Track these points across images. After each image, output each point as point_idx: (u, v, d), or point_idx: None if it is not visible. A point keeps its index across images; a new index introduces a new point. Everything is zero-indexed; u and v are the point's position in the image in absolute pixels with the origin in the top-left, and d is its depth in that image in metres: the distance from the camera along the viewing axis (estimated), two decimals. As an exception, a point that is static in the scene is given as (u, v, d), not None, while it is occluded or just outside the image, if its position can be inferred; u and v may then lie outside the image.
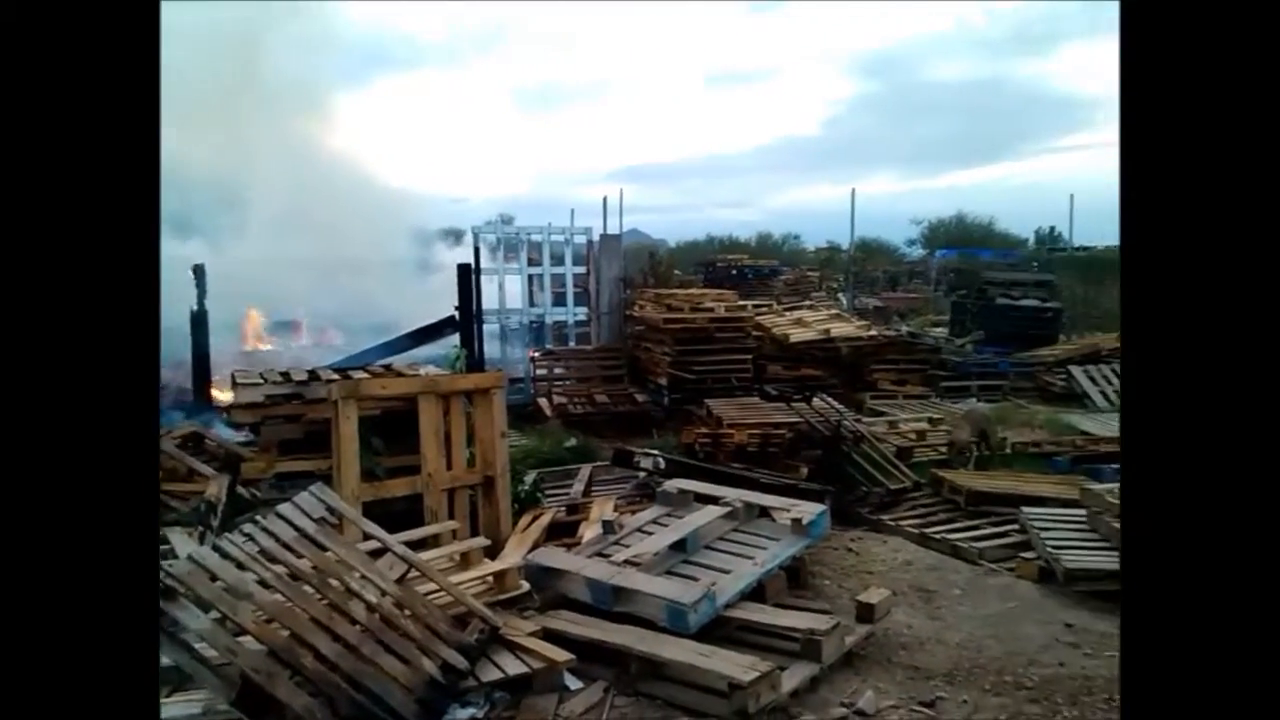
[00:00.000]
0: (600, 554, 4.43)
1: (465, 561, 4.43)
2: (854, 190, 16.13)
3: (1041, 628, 4.37)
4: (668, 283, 15.16)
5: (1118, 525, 4.89)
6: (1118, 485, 5.97)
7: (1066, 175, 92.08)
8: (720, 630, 3.96)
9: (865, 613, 4.12)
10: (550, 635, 3.76)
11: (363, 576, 3.48)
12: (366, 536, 3.97)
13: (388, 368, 6.32)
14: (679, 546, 4.42)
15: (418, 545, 4.36)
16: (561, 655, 3.55)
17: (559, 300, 12.08)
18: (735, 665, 3.41)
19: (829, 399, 8.59)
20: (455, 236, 21.23)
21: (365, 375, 5.65)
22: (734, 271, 20.68)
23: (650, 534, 4.68)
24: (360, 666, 3.16)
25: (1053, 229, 28.99)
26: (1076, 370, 11.25)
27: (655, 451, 6.71)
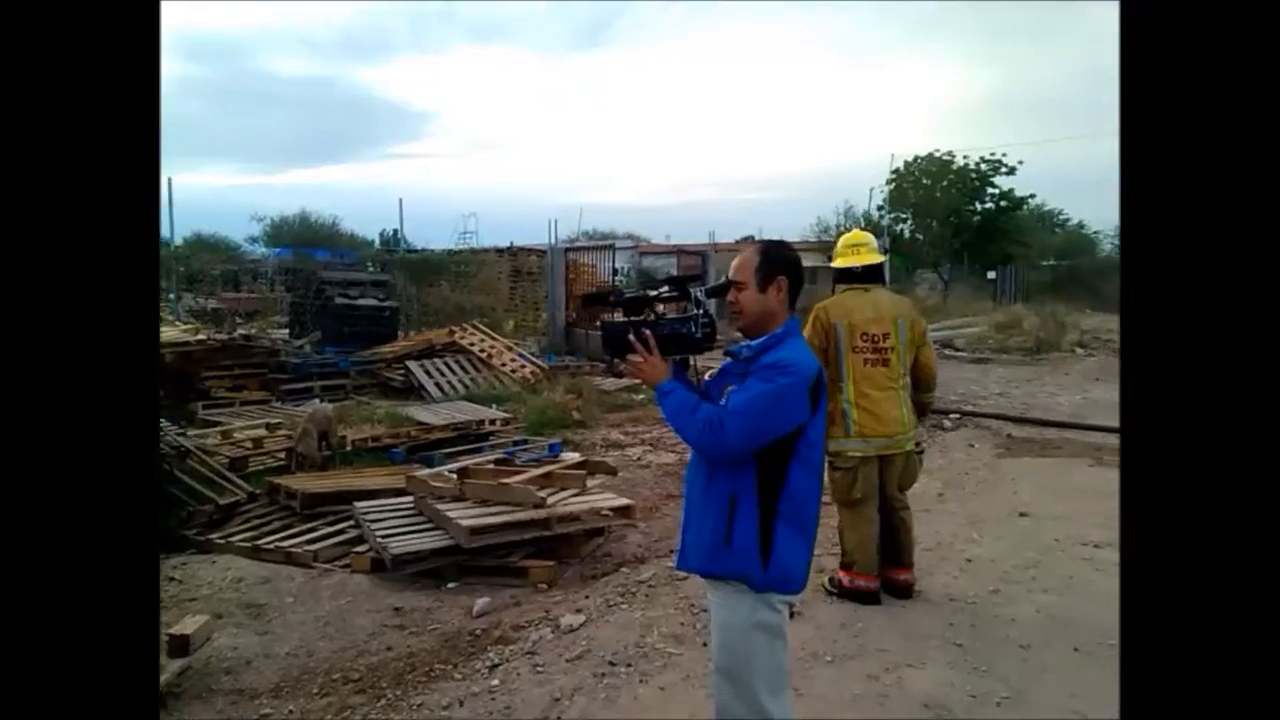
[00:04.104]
0: None
1: None
2: (170, 179, 14.68)
3: (371, 617, 4.48)
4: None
5: (439, 506, 5.28)
6: (443, 468, 6.48)
7: (404, 180, 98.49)
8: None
9: (179, 646, 3.69)
10: None
11: None
12: None
13: None
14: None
15: None
16: None
17: None
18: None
19: (149, 413, 7.61)
20: None
21: None
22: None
23: None
24: None
25: (396, 231, 30.57)
26: (414, 365, 12.01)
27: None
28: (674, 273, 27.95)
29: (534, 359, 13.10)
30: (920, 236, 33.02)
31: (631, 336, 2.44)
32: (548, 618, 4.36)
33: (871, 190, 33.52)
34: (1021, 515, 5.93)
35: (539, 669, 3.76)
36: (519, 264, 20.79)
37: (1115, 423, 9.13)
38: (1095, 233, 45.88)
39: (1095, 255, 42.58)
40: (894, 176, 33.31)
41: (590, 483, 5.91)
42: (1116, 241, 46.06)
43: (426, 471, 6.23)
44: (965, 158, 32.48)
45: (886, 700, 3.41)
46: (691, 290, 2.51)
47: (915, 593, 4.44)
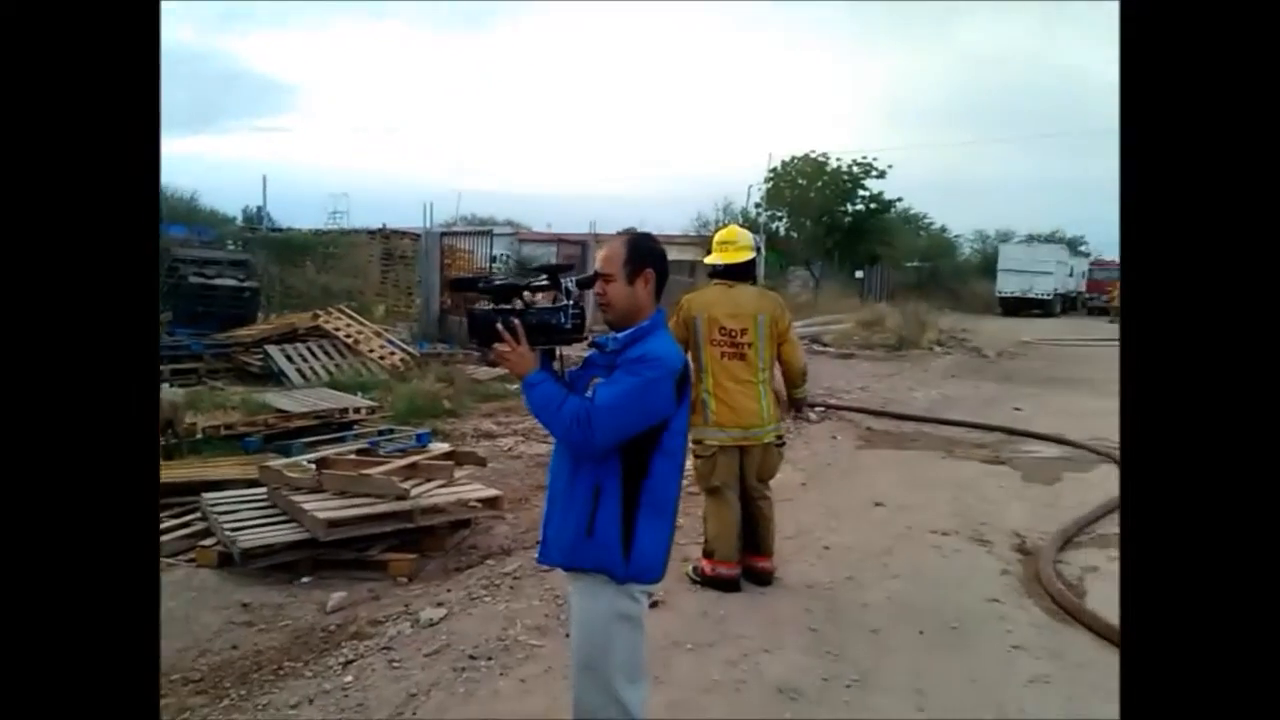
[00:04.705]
0: None
1: None
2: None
3: (217, 614, 4.24)
4: None
5: (295, 498, 5.04)
6: (300, 458, 6.20)
7: (271, 156, 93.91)
8: None
9: None
10: None
11: None
12: None
13: None
14: None
15: None
16: None
17: None
18: None
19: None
20: None
21: None
22: None
23: None
24: None
25: (259, 208, 29.01)
26: (274, 349, 11.45)
27: None
28: (555, 261, 27.71)
29: (404, 346, 12.72)
30: (795, 234, 34.06)
31: (499, 325, 2.39)
32: (407, 612, 4.24)
33: (750, 188, 34.35)
34: (877, 505, 6.20)
35: (395, 664, 3.65)
36: (391, 247, 20.15)
37: (967, 418, 9.69)
38: (956, 236, 48.67)
39: (955, 258, 45.13)
40: (771, 175, 34.20)
41: (458, 473, 5.79)
42: (975, 246, 49.12)
43: (282, 461, 5.95)
44: (838, 160, 33.72)
45: (743, 685, 3.49)
46: (563, 280, 2.48)
47: (775, 580, 4.57)
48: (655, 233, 2.69)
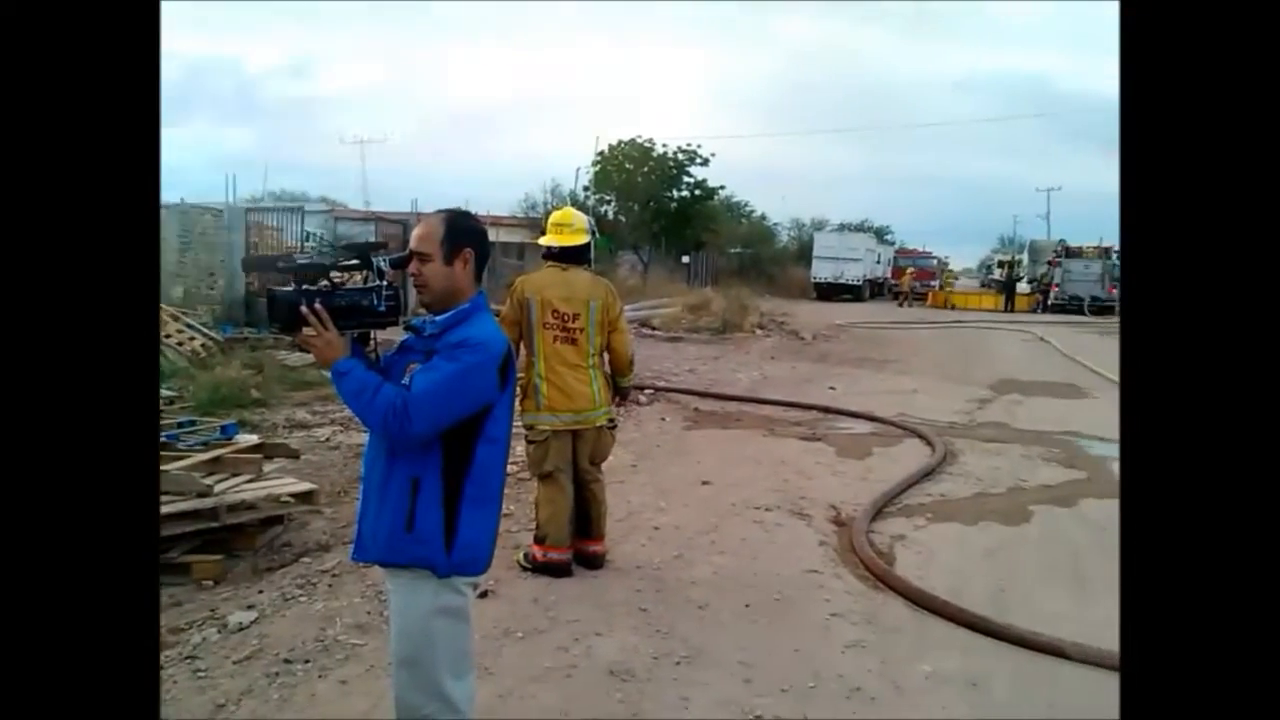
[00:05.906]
0: None
1: None
2: None
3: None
4: None
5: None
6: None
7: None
8: None
9: None
10: None
11: None
12: None
13: None
14: None
15: None
16: None
17: None
18: None
19: None
20: None
21: None
22: None
23: None
24: None
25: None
26: (53, 334, 10.31)
27: None
28: (374, 240, 26.40)
29: (206, 330, 11.80)
30: (623, 218, 34.43)
31: (303, 308, 2.21)
32: (213, 617, 3.91)
33: (578, 170, 34.34)
34: (704, 483, 6.35)
35: (201, 674, 3.36)
36: (190, 223, 18.54)
37: (786, 397, 10.14)
38: (775, 224, 50.86)
39: (774, 245, 47.15)
40: (599, 159, 34.34)
41: (268, 467, 5.41)
42: (792, 233, 51.51)
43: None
44: (664, 146, 34.32)
45: (575, 670, 3.46)
46: (374, 259, 2.33)
47: (606, 562, 4.57)
48: (482, 213, 2.59)
